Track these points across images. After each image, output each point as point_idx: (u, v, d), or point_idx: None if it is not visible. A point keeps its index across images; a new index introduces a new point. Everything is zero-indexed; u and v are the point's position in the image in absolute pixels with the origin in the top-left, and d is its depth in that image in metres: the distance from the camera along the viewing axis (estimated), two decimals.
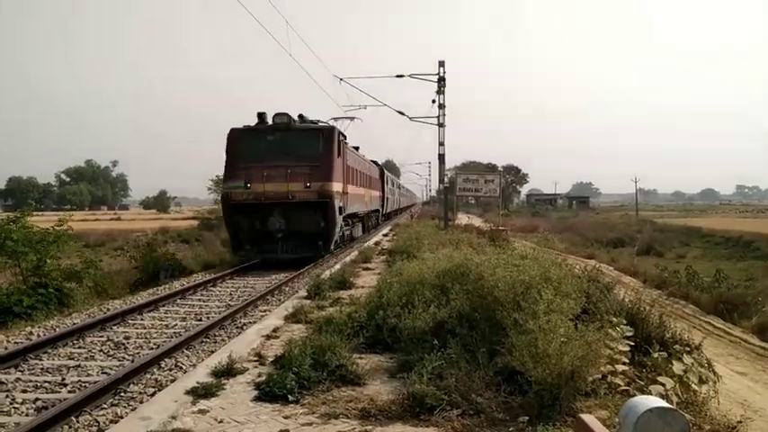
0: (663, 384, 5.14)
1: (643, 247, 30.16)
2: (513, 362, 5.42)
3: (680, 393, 5.04)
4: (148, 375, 7.63)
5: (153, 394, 6.69)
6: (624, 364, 5.76)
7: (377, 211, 36.84)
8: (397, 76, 29.39)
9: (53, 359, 8.46)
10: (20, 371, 7.88)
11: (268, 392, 5.78)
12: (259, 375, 6.39)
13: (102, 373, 7.78)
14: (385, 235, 32.57)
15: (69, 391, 7.04)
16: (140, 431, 4.94)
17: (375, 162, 37.77)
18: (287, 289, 14.80)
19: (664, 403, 2.66)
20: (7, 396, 6.80)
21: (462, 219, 46.16)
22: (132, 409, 6.20)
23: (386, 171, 42.89)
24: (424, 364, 5.94)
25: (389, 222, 48.26)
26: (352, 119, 28.78)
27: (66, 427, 5.90)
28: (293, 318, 9.53)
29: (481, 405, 5.18)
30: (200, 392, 5.88)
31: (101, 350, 8.97)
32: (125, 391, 6.99)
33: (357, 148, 28.68)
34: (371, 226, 35.26)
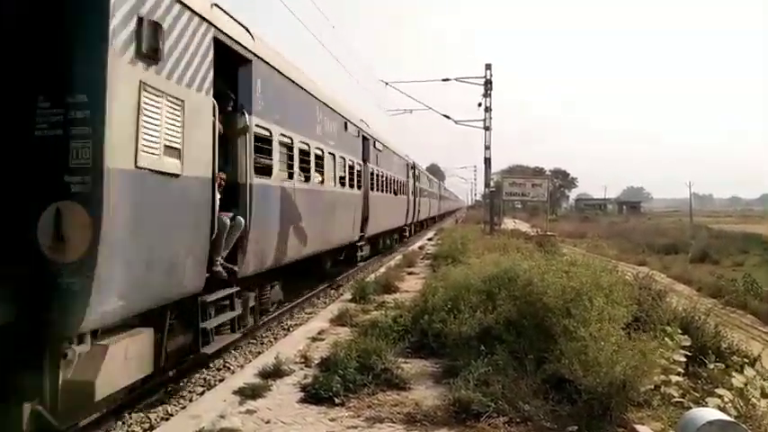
0: (721, 397, 4.95)
1: (697, 253, 29.12)
2: (562, 369, 5.31)
3: (739, 407, 4.83)
4: (198, 375, 7.79)
5: (202, 393, 6.83)
6: (678, 374, 5.58)
7: None
8: (443, 80, 29.36)
9: None
10: None
11: (314, 394, 5.83)
12: (305, 377, 6.45)
13: None
14: (429, 239, 32.44)
15: None
16: (190, 429, 5.04)
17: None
18: (332, 292, 14.90)
19: (724, 416, 2.57)
20: None
21: (508, 223, 45.60)
22: (182, 408, 6.34)
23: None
24: (470, 369, 5.89)
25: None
26: None
27: (120, 423, 6.07)
28: (338, 321, 9.59)
29: (528, 413, 5.09)
30: (248, 393, 5.96)
31: None
32: (175, 390, 7.15)
33: None
34: None
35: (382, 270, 16.61)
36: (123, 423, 6.08)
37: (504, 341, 6.63)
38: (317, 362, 7.04)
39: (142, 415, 6.30)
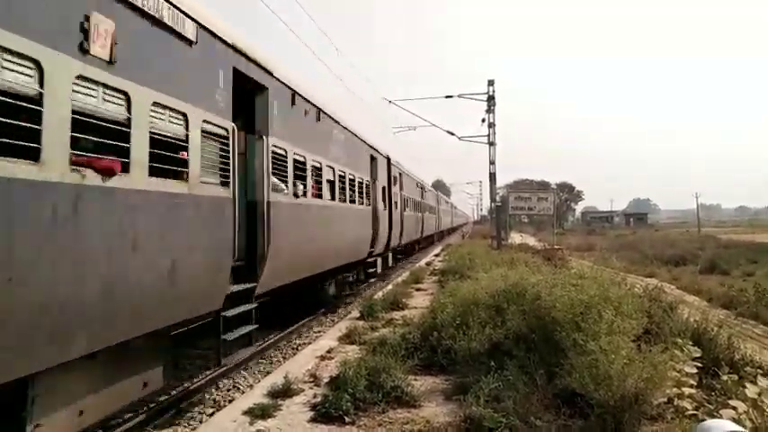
0: (734, 408, 4.88)
1: (706, 264, 28.91)
2: (573, 384, 5.27)
3: (754, 418, 4.77)
4: (207, 395, 7.76)
5: (212, 414, 6.80)
6: (691, 386, 5.51)
7: None
8: (447, 97, 29.50)
9: None
10: None
11: (324, 413, 5.80)
12: (315, 396, 6.42)
13: None
14: (436, 255, 32.37)
15: None
16: None
17: None
18: (340, 310, 14.87)
19: (738, 427, 2.54)
20: None
21: (515, 238, 45.47)
22: (192, 429, 6.32)
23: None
24: (481, 385, 5.85)
25: None
26: None
27: None
28: (347, 339, 9.56)
29: (540, 428, 5.04)
30: (258, 413, 5.94)
31: None
32: (185, 411, 7.13)
33: None
34: None
35: (390, 287, 16.58)
36: None
37: (513, 356, 6.59)
38: (326, 380, 7.01)
39: None
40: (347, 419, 5.66)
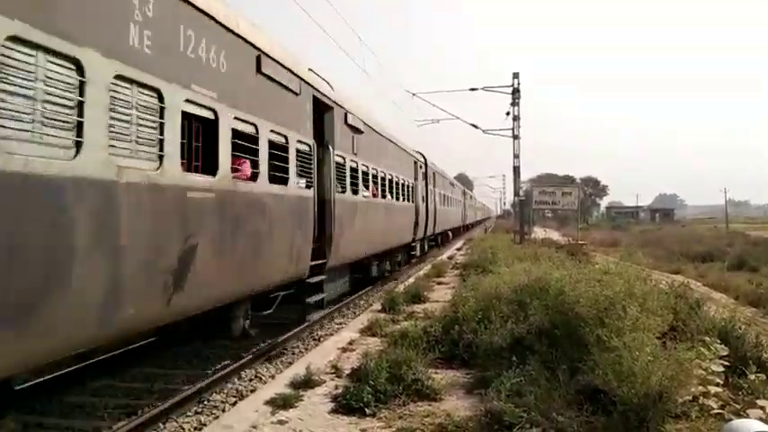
0: (762, 408, 4.80)
1: (734, 261, 28.34)
2: (596, 380, 5.22)
3: None
4: (230, 385, 7.85)
5: (234, 404, 6.88)
6: (717, 385, 5.43)
7: None
8: (471, 90, 29.31)
9: None
10: None
11: (345, 405, 5.84)
12: (336, 388, 6.46)
13: None
14: (458, 249, 32.28)
15: None
16: None
17: None
18: (361, 302, 14.92)
19: (766, 427, 2.49)
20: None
21: (538, 232, 45.08)
22: (215, 418, 6.40)
23: None
24: (502, 380, 5.82)
25: None
26: None
27: None
28: (368, 331, 9.59)
29: (562, 424, 4.99)
30: (279, 403, 6.00)
31: None
32: (208, 400, 7.22)
33: None
34: None
35: (411, 280, 16.58)
36: None
37: (536, 351, 6.55)
38: (347, 372, 7.05)
39: (176, 424, 6.38)
40: (368, 411, 5.69)
